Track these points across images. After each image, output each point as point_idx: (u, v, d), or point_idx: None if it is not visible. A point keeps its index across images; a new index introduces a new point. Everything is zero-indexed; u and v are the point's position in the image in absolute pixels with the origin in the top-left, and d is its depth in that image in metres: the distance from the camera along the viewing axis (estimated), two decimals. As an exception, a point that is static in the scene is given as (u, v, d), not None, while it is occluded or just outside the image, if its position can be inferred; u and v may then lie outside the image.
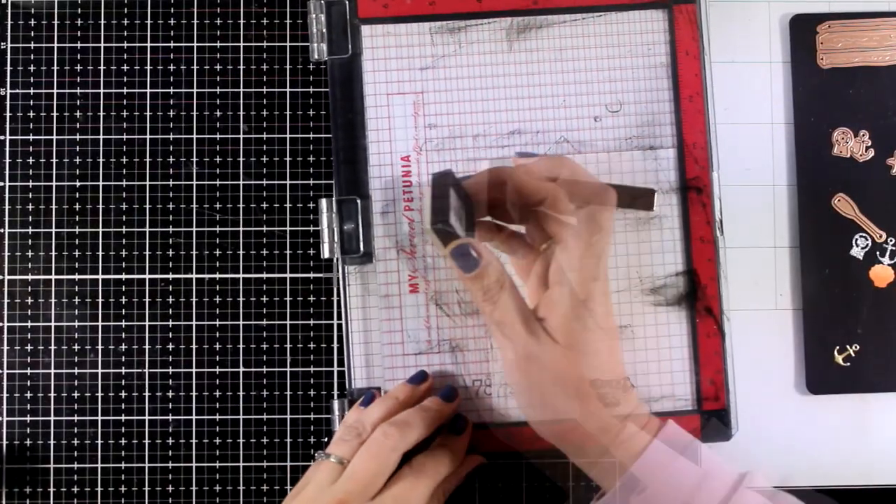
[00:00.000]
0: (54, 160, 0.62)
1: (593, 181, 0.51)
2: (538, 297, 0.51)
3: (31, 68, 0.62)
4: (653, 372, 0.59)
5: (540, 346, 0.49)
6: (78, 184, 0.62)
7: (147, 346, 0.61)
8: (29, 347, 0.61)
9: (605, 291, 0.50)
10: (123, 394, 0.61)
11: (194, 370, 0.61)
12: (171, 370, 0.61)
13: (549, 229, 0.51)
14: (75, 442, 0.61)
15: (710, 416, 0.60)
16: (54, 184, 0.61)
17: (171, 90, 0.62)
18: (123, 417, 0.61)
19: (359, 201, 0.60)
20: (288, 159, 0.62)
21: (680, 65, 0.60)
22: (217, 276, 0.62)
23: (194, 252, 0.62)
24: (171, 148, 0.62)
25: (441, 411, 0.56)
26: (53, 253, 0.61)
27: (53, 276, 0.61)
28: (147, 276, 0.61)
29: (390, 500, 0.51)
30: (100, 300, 0.61)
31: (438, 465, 0.54)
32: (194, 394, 0.61)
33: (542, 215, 0.51)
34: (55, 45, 0.62)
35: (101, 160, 0.62)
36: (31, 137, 0.62)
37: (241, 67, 0.62)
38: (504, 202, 0.51)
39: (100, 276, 0.61)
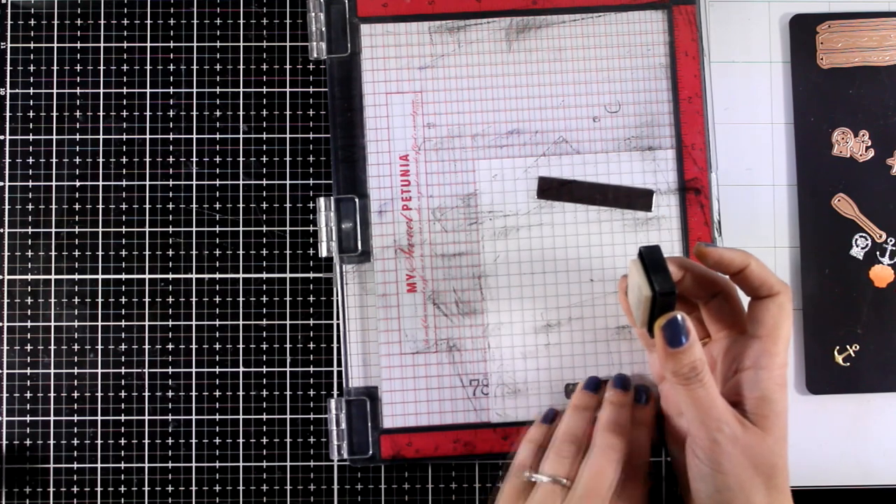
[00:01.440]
0: (54, 160, 0.62)
1: (776, 277, 0.51)
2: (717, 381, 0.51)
3: (31, 68, 0.62)
4: (651, 373, 0.59)
5: (742, 430, 0.48)
6: (78, 184, 0.62)
7: (147, 346, 0.61)
8: (29, 347, 0.61)
9: (786, 379, 0.50)
10: (123, 394, 0.61)
11: (194, 370, 0.61)
12: (170, 370, 0.61)
13: (726, 318, 0.52)
14: (75, 442, 0.61)
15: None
16: (54, 184, 0.62)
17: (171, 90, 0.62)
18: (123, 417, 0.61)
19: (357, 200, 0.60)
20: (287, 159, 0.62)
21: (679, 66, 0.60)
22: (217, 276, 0.62)
23: (194, 252, 0.62)
24: (171, 148, 0.62)
25: (628, 401, 0.56)
26: (53, 253, 0.62)
27: (53, 276, 0.61)
28: (147, 276, 0.61)
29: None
30: (100, 300, 0.61)
31: (641, 447, 0.55)
32: (194, 394, 0.61)
33: (717, 305, 0.52)
34: (55, 45, 0.62)
35: (101, 160, 0.62)
36: (31, 137, 0.62)
37: (241, 67, 0.62)
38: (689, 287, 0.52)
39: (100, 276, 0.61)
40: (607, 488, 0.50)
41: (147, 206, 0.62)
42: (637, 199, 0.60)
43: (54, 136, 0.62)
